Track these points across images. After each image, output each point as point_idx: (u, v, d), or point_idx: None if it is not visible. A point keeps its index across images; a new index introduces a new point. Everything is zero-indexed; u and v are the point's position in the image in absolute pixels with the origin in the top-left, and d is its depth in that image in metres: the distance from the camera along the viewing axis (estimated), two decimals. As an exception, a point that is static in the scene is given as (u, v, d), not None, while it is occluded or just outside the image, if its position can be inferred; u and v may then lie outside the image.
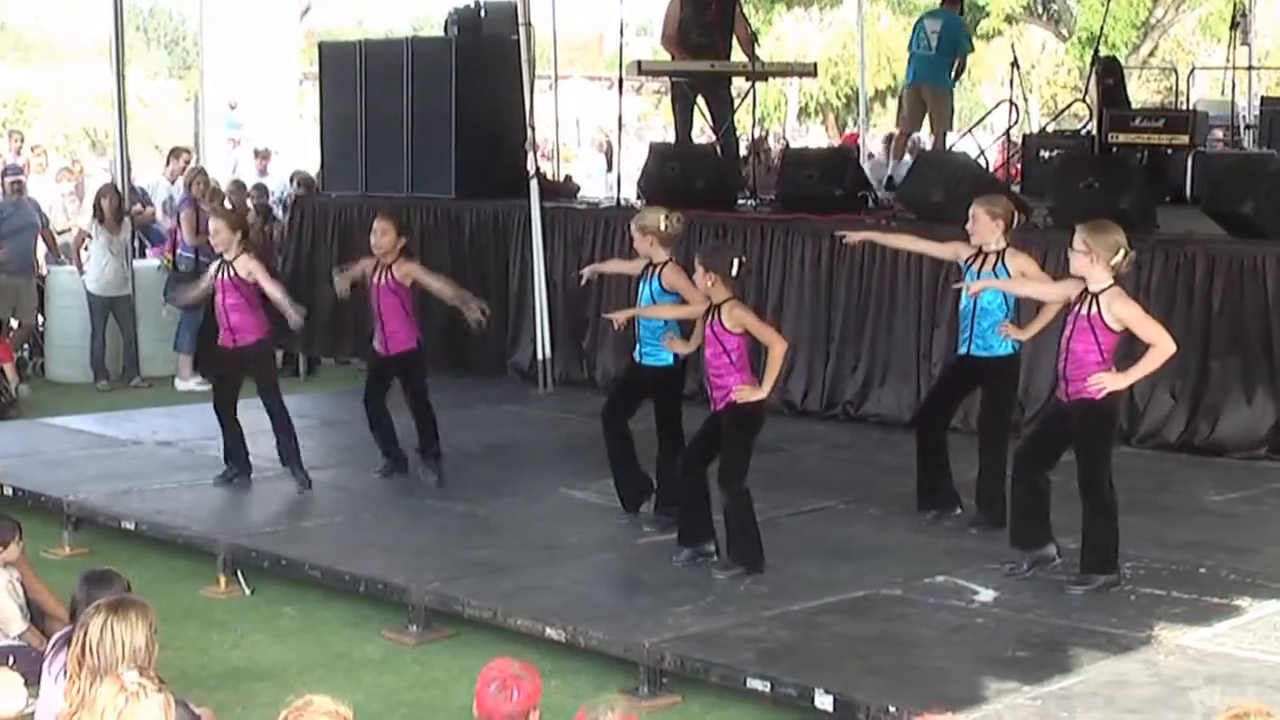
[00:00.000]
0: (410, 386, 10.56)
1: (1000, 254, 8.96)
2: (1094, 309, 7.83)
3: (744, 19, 15.88)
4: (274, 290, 10.28)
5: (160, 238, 16.81)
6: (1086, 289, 7.89)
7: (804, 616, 7.68)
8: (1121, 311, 7.84)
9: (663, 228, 9.15)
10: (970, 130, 17.78)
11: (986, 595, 7.99)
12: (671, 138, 16.57)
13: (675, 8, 15.08)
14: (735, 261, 8.27)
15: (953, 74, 17.31)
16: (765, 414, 8.46)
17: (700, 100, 15.33)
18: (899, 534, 9.22)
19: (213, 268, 10.48)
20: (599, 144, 26.48)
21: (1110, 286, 7.85)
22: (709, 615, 7.65)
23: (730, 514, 8.37)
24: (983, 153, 16.41)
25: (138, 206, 16.47)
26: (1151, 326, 7.95)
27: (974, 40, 20.03)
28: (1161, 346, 7.90)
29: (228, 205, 16.38)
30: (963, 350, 9.31)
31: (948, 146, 16.75)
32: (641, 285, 9.31)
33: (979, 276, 8.95)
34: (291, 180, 17.79)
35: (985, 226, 8.98)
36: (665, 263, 9.13)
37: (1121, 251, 7.82)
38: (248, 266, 10.20)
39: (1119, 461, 10.78)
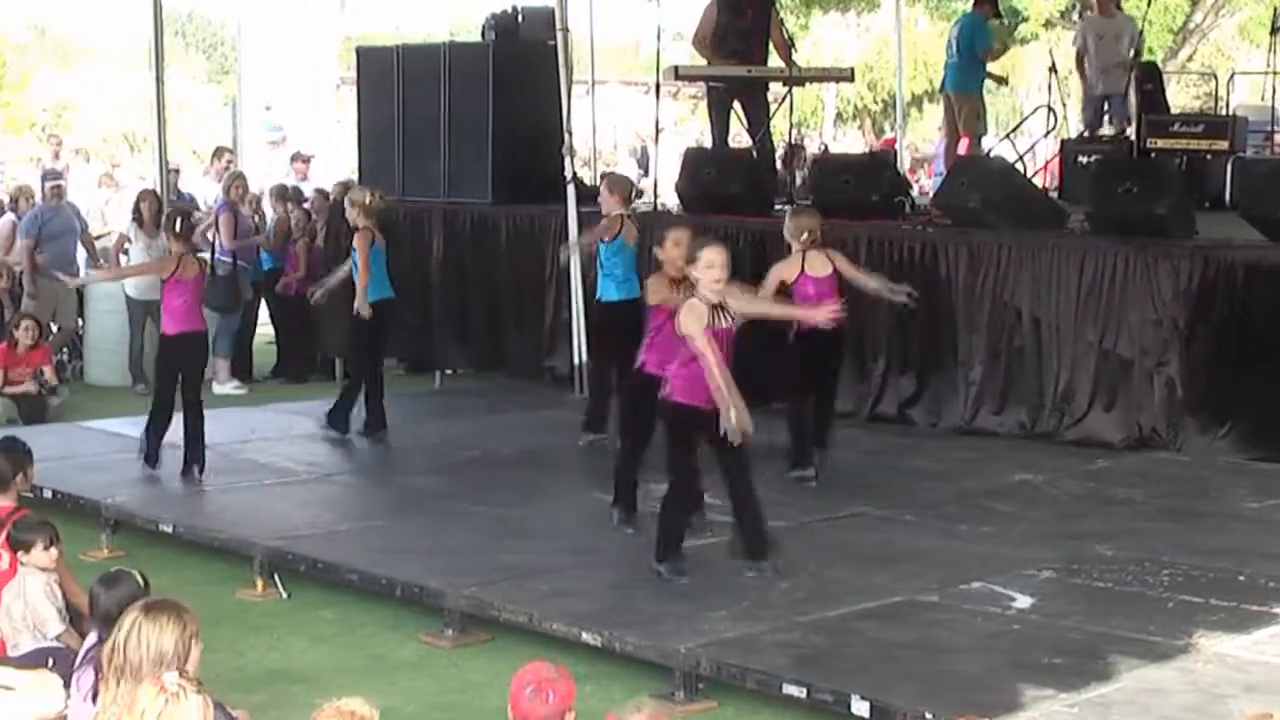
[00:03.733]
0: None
1: (620, 219, 11.43)
2: None
3: (780, 24, 15.87)
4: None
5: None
6: None
7: (839, 622, 7.67)
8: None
9: (367, 202, 11.53)
10: (1009, 135, 17.73)
11: (1023, 601, 7.96)
12: (708, 143, 16.56)
13: (713, 11, 15.10)
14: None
15: (983, 75, 17.24)
16: None
17: (736, 105, 15.32)
18: (934, 540, 9.20)
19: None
20: (635, 149, 26.52)
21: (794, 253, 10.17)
22: (744, 620, 7.64)
23: None
24: (1021, 158, 16.36)
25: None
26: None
27: (1009, 42, 19.93)
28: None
29: (273, 210, 16.47)
30: None
31: (985, 151, 16.71)
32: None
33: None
34: (334, 187, 17.81)
35: (604, 200, 11.60)
36: (357, 229, 11.51)
37: (807, 234, 10.20)
38: None
39: (1156, 468, 10.85)
